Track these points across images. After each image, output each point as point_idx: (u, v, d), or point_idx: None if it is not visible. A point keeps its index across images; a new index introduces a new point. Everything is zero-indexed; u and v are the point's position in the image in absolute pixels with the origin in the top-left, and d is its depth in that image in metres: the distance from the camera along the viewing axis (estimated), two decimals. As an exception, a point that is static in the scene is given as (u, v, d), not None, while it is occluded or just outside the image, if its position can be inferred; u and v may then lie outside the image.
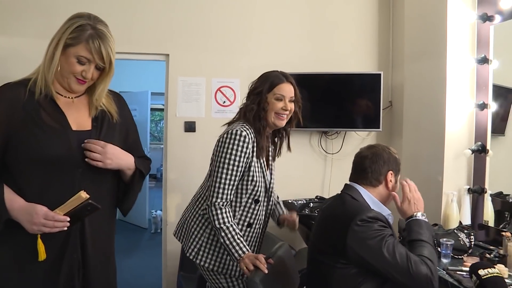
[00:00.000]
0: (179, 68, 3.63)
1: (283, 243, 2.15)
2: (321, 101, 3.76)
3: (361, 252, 1.70)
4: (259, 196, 2.10)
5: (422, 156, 3.30)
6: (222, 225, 2.00)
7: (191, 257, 2.13)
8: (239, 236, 1.99)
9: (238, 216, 2.09)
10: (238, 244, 1.98)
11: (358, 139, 3.87)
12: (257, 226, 2.15)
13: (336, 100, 3.74)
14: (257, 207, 2.12)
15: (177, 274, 3.28)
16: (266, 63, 3.43)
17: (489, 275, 1.67)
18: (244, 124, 2.07)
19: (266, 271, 1.87)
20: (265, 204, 2.17)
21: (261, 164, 2.11)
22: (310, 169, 3.87)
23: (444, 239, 2.57)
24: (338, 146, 3.88)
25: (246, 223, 2.11)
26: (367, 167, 1.90)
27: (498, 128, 3.06)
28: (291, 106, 2.17)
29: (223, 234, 1.99)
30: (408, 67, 3.55)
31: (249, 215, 2.11)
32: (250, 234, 2.14)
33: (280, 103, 2.14)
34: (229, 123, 2.16)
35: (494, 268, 1.74)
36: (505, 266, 2.33)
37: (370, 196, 1.88)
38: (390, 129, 4.00)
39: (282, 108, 2.15)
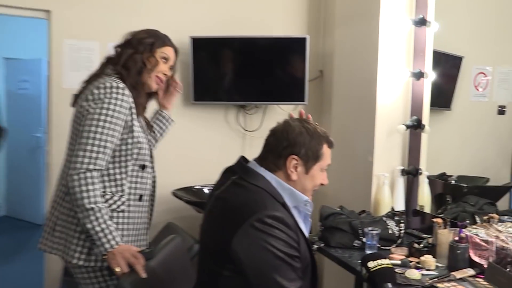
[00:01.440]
0: (65, 28, 3.38)
1: (175, 236, 1.97)
2: (237, 70, 3.64)
3: (245, 261, 1.48)
4: (145, 160, 2.04)
5: (351, 133, 3.28)
6: (93, 205, 1.82)
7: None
8: (112, 221, 1.86)
9: (127, 190, 1.97)
10: (111, 232, 1.82)
11: (282, 114, 3.74)
12: (146, 198, 2.08)
13: (256, 69, 3.63)
14: (144, 175, 2.04)
15: (61, 279, 2.96)
16: (174, 24, 3.29)
17: (378, 267, 1.71)
18: (117, 78, 1.98)
19: (144, 275, 1.70)
20: (150, 170, 2.11)
21: (141, 124, 2.08)
22: (226, 149, 3.77)
23: (370, 228, 2.51)
24: (258, 122, 3.73)
25: (137, 196, 2.02)
26: (270, 146, 1.70)
27: (444, 102, 3.07)
28: (170, 73, 2.18)
29: (93, 217, 1.81)
30: (339, 31, 3.50)
31: (138, 185, 2.02)
32: (141, 208, 2.06)
33: (165, 66, 2.13)
34: (94, 76, 2.03)
35: (385, 259, 1.79)
36: (434, 257, 2.30)
37: (278, 181, 1.65)
38: (321, 103, 3.92)
39: (164, 71, 2.14)
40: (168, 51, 2.11)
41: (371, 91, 3.06)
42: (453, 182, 3.13)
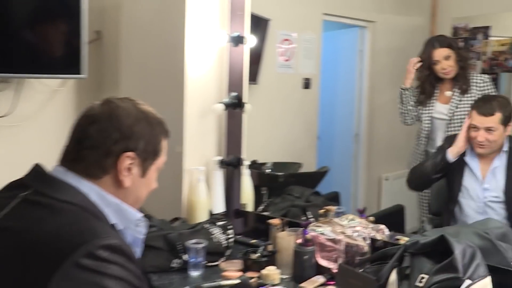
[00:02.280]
0: None
1: None
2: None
3: None
4: None
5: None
6: None
7: None
8: None
9: None
10: None
11: (46, 93, 3.02)
12: None
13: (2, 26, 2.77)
14: None
15: None
16: None
17: None
18: None
19: None
20: None
21: None
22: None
23: (193, 241, 2.15)
24: (8, 104, 2.86)
25: None
26: (91, 141, 1.30)
27: (250, 74, 2.78)
28: None
29: None
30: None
31: None
32: None
33: None
34: None
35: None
36: (276, 267, 2.06)
37: (100, 193, 1.29)
38: (101, 76, 3.31)
39: None
40: None
41: (177, 60, 2.61)
42: (268, 171, 2.98)
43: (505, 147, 2.44)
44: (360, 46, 4.03)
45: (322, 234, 2.05)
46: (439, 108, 2.95)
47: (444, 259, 1.61)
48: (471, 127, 2.44)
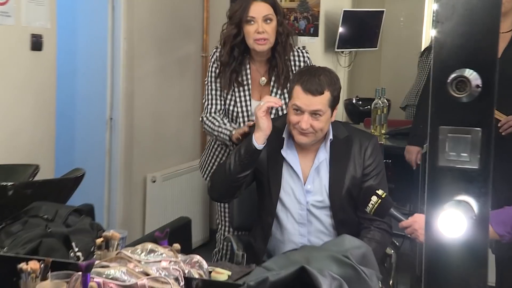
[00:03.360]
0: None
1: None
2: None
3: None
4: None
5: None
6: None
7: None
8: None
9: None
10: None
11: None
12: None
13: None
14: None
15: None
16: None
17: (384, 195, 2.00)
18: None
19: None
20: None
21: None
22: None
23: None
24: None
25: None
26: None
27: None
28: None
29: None
30: None
31: None
32: None
33: None
34: None
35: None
36: None
37: None
38: None
39: None
40: None
41: None
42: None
43: (330, 136, 2.22)
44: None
45: (114, 279, 1.66)
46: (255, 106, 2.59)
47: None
48: (293, 109, 2.14)
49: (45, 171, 2.74)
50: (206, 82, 2.55)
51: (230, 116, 2.52)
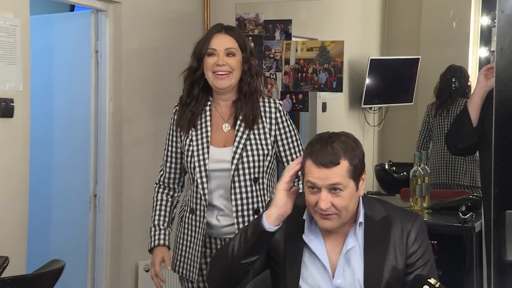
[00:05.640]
0: None
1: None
2: None
3: None
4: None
5: None
6: None
7: None
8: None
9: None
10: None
11: None
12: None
13: None
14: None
15: None
16: None
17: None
18: None
19: None
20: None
21: None
22: None
23: None
24: None
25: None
26: None
27: None
28: None
29: None
30: None
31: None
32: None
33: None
34: None
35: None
36: None
37: None
38: None
39: None
40: None
41: None
42: None
43: (361, 217, 2.15)
44: (95, 41, 3.59)
45: None
46: (215, 154, 2.64)
47: None
48: (308, 187, 2.10)
49: (16, 263, 2.73)
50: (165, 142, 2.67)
51: (187, 165, 2.55)
